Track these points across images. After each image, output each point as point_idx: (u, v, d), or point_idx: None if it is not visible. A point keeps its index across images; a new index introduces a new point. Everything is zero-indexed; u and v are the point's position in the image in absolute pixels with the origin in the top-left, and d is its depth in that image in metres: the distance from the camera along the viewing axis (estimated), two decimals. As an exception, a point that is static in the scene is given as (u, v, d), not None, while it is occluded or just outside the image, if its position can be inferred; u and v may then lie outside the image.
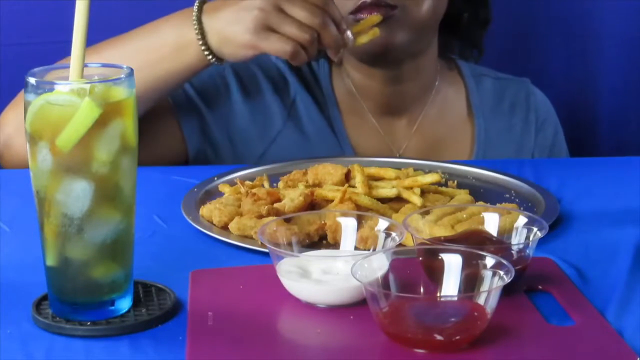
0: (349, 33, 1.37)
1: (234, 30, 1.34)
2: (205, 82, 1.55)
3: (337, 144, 1.58)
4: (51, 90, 0.91)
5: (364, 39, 1.41)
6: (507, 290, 0.91)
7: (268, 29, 1.33)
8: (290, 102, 1.59)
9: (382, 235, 1.04)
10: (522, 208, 1.22)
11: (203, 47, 1.36)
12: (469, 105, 1.66)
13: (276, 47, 1.33)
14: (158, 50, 1.39)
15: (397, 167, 1.34)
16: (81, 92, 0.91)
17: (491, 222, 1.07)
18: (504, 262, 0.93)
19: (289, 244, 1.05)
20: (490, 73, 1.70)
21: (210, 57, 1.37)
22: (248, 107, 1.56)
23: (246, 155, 1.55)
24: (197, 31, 1.36)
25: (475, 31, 1.68)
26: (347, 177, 1.25)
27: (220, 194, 1.28)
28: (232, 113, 1.56)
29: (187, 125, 1.53)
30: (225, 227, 1.18)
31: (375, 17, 1.44)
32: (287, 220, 1.09)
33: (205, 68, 1.40)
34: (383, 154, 1.56)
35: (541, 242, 1.04)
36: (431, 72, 1.63)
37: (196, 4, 1.37)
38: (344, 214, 1.09)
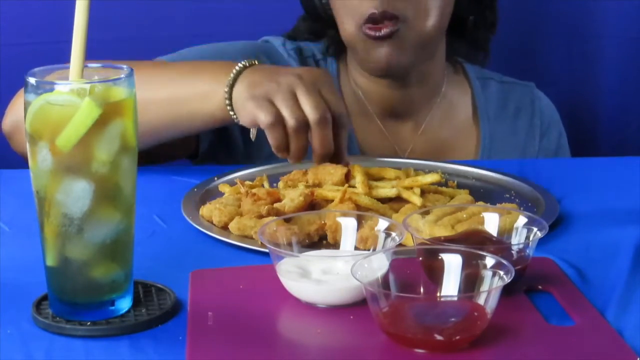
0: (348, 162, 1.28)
1: (245, 95, 1.29)
2: None
3: None
4: (51, 90, 0.91)
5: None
6: (507, 290, 0.91)
7: (269, 100, 1.26)
8: None
9: (382, 235, 1.04)
10: (522, 208, 1.22)
11: (227, 102, 1.31)
12: (475, 109, 1.66)
13: (257, 112, 1.26)
14: (188, 89, 1.36)
15: (398, 167, 1.34)
16: (81, 92, 0.91)
17: (491, 222, 1.07)
18: (504, 262, 0.93)
19: (289, 244, 1.05)
20: (495, 76, 1.70)
21: (232, 113, 1.32)
22: None
23: (255, 154, 1.55)
24: (228, 84, 1.31)
25: (482, 34, 1.67)
26: (347, 177, 1.25)
27: (220, 194, 1.28)
28: None
29: None
30: (225, 227, 1.18)
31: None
32: (287, 220, 1.09)
33: (227, 123, 1.35)
34: (387, 156, 1.55)
35: (541, 242, 1.04)
36: (438, 76, 1.63)
37: (242, 63, 1.33)
38: (344, 214, 1.09)
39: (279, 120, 1.25)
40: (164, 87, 1.38)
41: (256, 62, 1.34)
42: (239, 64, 1.32)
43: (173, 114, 1.37)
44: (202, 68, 1.38)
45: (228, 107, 1.31)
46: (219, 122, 1.36)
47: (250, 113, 1.27)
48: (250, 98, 1.28)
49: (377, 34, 1.47)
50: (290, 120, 1.25)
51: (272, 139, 1.26)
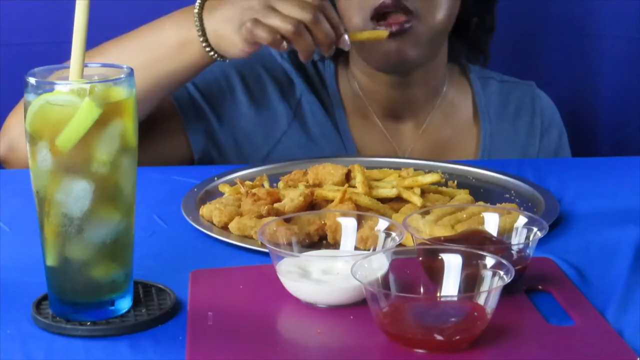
0: (345, 37, 1.36)
1: (227, 29, 1.35)
2: (210, 84, 1.55)
3: (342, 145, 1.58)
4: (51, 90, 0.91)
5: (364, 35, 1.44)
6: (507, 290, 0.91)
7: (255, 22, 1.33)
8: (296, 102, 1.58)
9: (382, 235, 1.04)
10: (522, 208, 1.22)
11: (204, 44, 1.37)
12: (475, 108, 1.65)
13: (255, 34, 1.32)
14: (160, 49, 1.39)
15: (398, 166, 1.34)
16: (81, 92, 0.91)
17: (491, 222, 1.07)
18: (504, 262, 0.93)
19: (289, 244, 1.05)
20: (496, 76, 1.70)
21: (212, 53, 1.38)
22: (253, 108, 1.56)
23: (251, 156, 1.55)
24: (198, 29, 1.36)
25: (482, 37, 1.67)
26: (348, 177, 1.25)
27: (220, 194, 1.28)
28: (237, 114, 1.56)
29: (191, 127, 1.53)
30: (225, 227, 1.18)
31: (382, 32, 1.45)
32: (287, 220, 1.09)
33: (209, 65, 1.41)
34: (387, 156, 1.56)
35: (541, 242, 1.04)
36: (440, 76, 1.62)
37: (198, 1, 1.37)
38: (344, 214, 1.09)
39: (275, 34, 1.32)
40: (135, 55, 1.40)
41: None
42: (195, 6, 1.38)
43: (153, 76, 1.39)
44: (161, 24, 1.42)
45: (210, 53, 1.38)
46: (200, 68, 1.42)
47: (245, 41, 1.34)
48: (236, 31, 1.34)
49: (389, 29, 1.46)
50: (287, 27, 1.32)
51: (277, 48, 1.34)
